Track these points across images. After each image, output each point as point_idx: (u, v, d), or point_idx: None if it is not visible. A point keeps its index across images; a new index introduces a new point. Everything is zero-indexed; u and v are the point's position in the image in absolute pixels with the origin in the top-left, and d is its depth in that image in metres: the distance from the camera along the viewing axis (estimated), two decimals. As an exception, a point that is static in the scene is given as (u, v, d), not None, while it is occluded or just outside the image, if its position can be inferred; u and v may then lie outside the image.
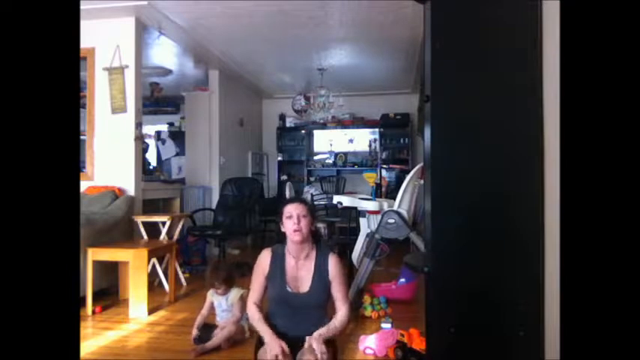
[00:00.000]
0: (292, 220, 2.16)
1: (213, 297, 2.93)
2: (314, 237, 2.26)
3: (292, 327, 2.16)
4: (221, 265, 3.22)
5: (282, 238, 2.27)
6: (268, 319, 2.21)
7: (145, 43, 5.03)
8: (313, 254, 2.22)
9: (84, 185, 4.30)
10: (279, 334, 2.14)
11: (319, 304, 2.20)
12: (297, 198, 2.58)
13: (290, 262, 2.21)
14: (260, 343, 2.18)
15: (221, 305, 2.91)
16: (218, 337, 2.70)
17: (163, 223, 4.24)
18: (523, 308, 1.59)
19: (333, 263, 2.21)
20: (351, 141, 8.23)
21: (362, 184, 7.10)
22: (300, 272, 2.20)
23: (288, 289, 2.17)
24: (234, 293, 2.91)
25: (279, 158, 8.35)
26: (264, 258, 2.25)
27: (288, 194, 5.99)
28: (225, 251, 5.23)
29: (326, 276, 2.18)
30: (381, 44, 5.43)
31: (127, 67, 4.41)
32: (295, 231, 2.15)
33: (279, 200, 6.64)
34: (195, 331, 2.79)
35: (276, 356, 1.99)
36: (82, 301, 3.37)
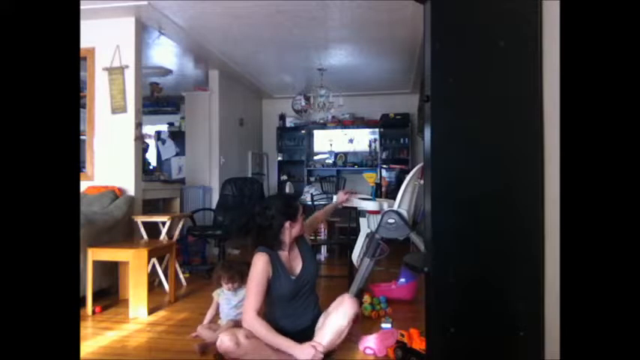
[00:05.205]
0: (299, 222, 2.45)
1: (220, 295, 2.89)
2: None
3: (295, 317, 2.35)
4: (232, 264, 3.09)
5: (267, 238, 2.38)
6: (270, 320, 2.31)
7: (145, 43, 5.02)
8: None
9: (84, 185, 4.30)
10: (283, 333, 2.25)
11: (314, 278, 2.49)
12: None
13: (283, 255, 2.42)
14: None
15: (230, 302, 2.85)
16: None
17: (163, 223, 4.24)
18: (523, 308, 1.59)
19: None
20: (351, 141, 8.23)
21: (362, 184, 7.10)
22: (294, 261, 2.46)
23: (291, 277, 2.37)
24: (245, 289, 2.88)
25: (279, 158, 8.35)
26: (264, 263, 2.32)
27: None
28: (225, 251, 5.23)
29: (309, 246, 2.58)
30: (381, 44, 5.43)
31: (127, 67, 4.40)
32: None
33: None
34: (200, 331, 2.76)
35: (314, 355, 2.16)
36: (82, 301, 3.37)
